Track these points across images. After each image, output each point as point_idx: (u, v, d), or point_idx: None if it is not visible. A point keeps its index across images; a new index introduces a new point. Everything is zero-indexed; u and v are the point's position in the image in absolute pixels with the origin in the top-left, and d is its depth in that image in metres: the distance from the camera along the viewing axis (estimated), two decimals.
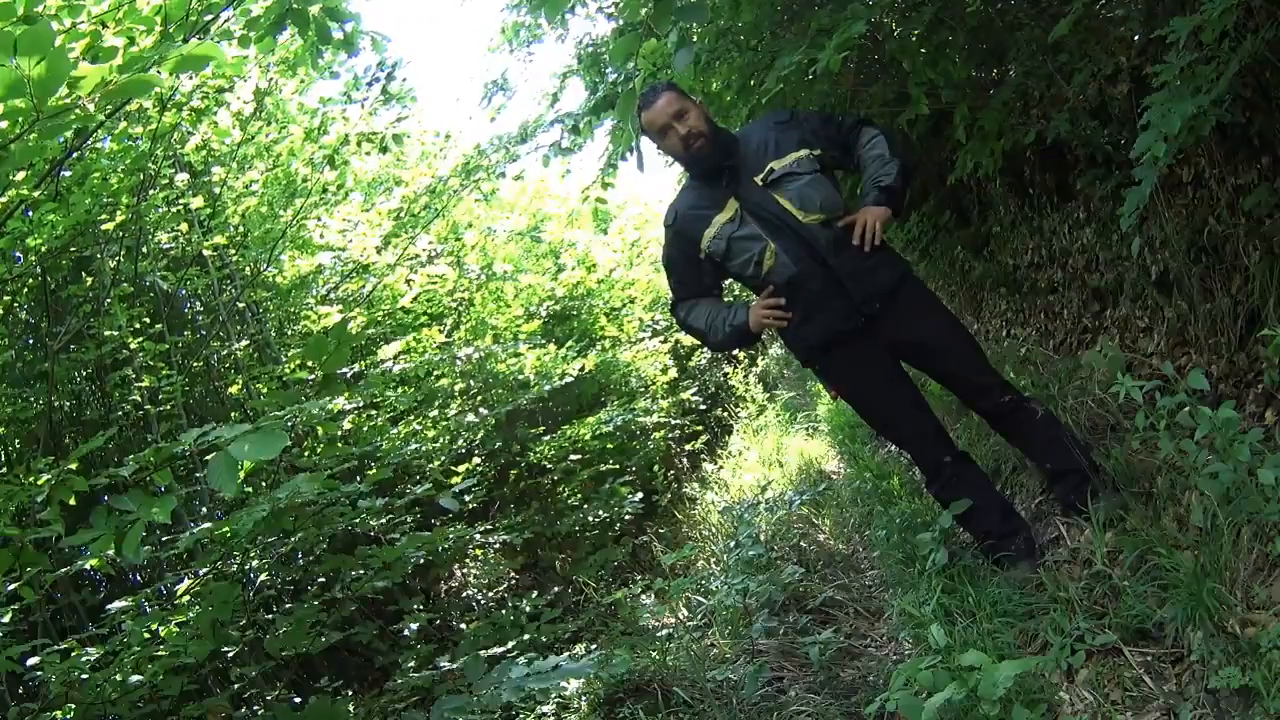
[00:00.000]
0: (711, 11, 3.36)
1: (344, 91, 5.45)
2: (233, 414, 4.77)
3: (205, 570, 3.28)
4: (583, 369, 6.36)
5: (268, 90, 4.98)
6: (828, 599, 3.31)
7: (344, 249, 5.77)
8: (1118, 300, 3.49)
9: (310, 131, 5.31)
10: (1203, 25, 1.95)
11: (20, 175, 3.32)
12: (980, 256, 4.83)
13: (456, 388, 5.72)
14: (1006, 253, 4.48)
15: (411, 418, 5.22)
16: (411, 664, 3.73)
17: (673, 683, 2.81)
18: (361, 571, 3.76)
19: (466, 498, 4.59)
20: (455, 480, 4.59)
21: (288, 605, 3.73)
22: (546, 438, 5.94)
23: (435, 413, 5.42)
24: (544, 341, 6.57)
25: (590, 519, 5.55)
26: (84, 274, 4.61)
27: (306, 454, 4.18)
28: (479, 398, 5.73)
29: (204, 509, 4.20)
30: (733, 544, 4.12)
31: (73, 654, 2.87)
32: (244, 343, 4.83)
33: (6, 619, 2.83)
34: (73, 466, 2.36)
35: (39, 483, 2.24)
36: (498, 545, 5.18)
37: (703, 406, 8.67)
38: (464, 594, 5.20)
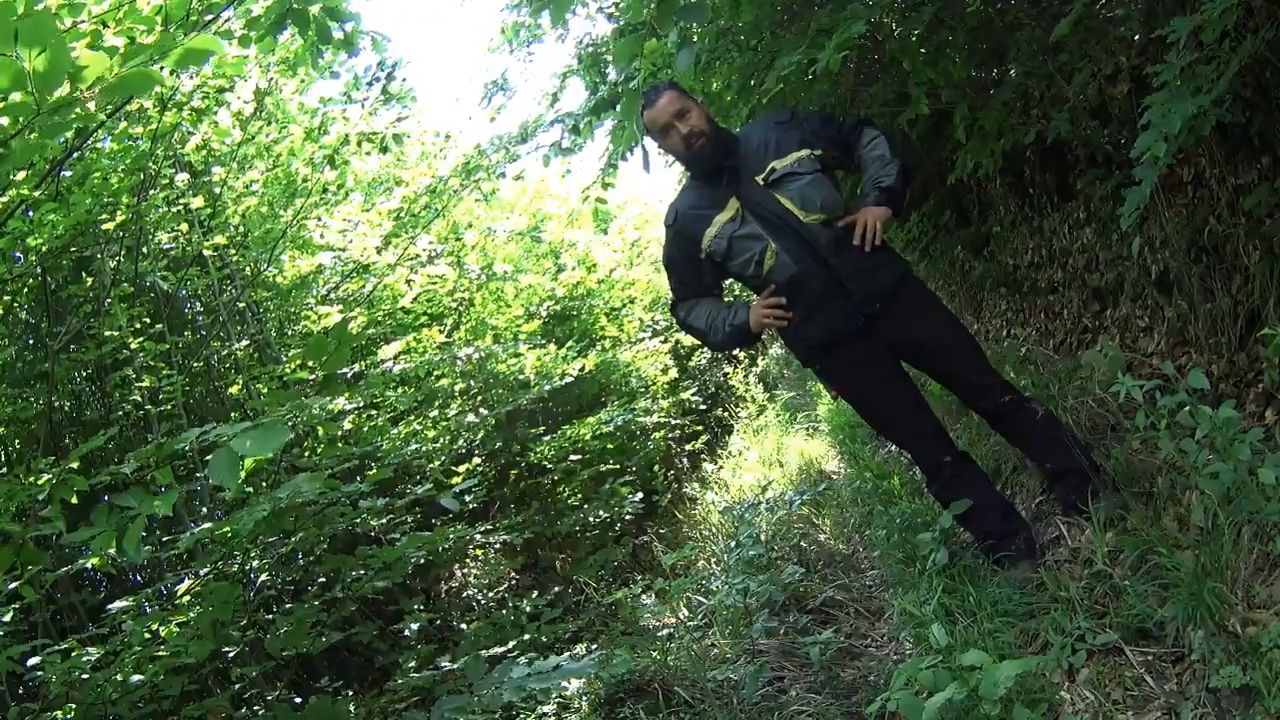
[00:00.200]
0: (712, 11, 3.36)
1: (344, 91, 5.46)
2: (233, 414, 4.77)
3: (206, 570, 3.29)
4: (583, 369, 6.36)
5: (268, 90, 4.98)
6: (828, 599, 3.31)
7: (344, 249, 5.77)
8: (1118, 300, 3.49)
9: (310, 131, 5.31)
10: (1203, 25, 1.95)
11: (21, 175, 3.32)
12: (980, 256, 4.83)
13: (457, 388, 5.72)
14: (1007, 253, 4.48)
15: (412, 418, 5.22)
16: (412, 664, 3.73)
17: (673, 683, 2.81)
18: (362, 571, 3.76)
19: (467, 498, 4.59)
20: (455, 480, 4.59)
21: (288, 605, 3.73)
22: (547, 438, 5.94)
23: (435, 413, 5.42)
24: (544, 341, 6.58)
25: (590, 519, 5.55)
26: (84, 274, 4.61)
27: (307, 454, 4.18)
28: (479, 398, 5.73)
29: (204, 509, 4.20)
30: (733, 544, 4.12)
31: (73, 654, 2.87)
32: (244, 343, 4.83)
33: (7, 618, 2.83)
34: (73, 466, 2.36)
35: (39, 482, 2.24)
36: (498, 545, 5.18)
37: (703, 406, 8.67)
38: (464, 594, 5.20)
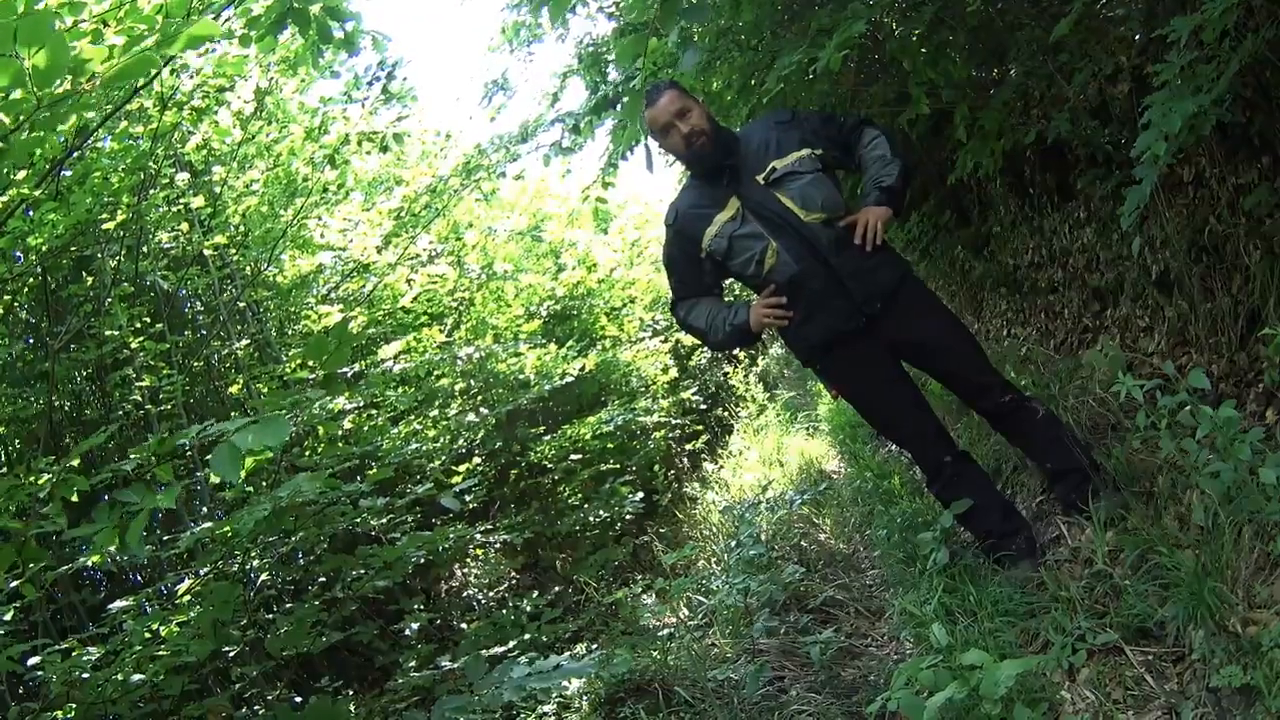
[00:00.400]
0: (712, 11, 3.36)
1: (344, 91, 5.45)
2: (233, 413, 4.76)
3: (206, 570, 3.29)
4: (583, 369, 6.36)
5: (268, 89, 4.97)
6: (829, 598, 3.30)
7: (344, 248, 5.77)
8: (1118, 300, 3.49)
9: (311, 131, 5.31)
10: (1203, 24, 1.95)
11: (21, 174, 3.32)
12: (981, 256, 4.83)
13: (457, 387, 5.72)
14: (1007, 252, 4.48)
15: (412, 417, 5.23)
16: (412, 664, 3.73)
17: (674, 682, 2.81)
18: (362, 571, 3.76)
19: (467, 497, 4.59)
20: (456, 480, 4.59)
21: (288, 605, 3.74)
22: (547, 437, 5.95)
23: (436, 412, 5.43)
24: (544, 341, 6.58)
25: (591, 519, 5.55)
26: (84, 273, 4.61)
27: (307, 454, 4.18)
28: (479, 397, 5.73)
29: (205, 509, 4.20)
30: (733, 543, 4.12)
31: (74, 653, 2.87)
32: (244, 342, 4.84)
33: (8, 618, 2.83)
34: (74, 464, 2.36)
35: (40, 481, 2.24)
36: (498, 545, 5.18)
37: (703, 406, 8.67)
38: (464, 594, 5.20)
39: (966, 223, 4.89)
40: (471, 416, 5.46)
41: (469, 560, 5.29)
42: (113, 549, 1.75)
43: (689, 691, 2.73)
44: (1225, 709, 1.71)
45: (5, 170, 2.83)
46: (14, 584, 2.38)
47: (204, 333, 5.21)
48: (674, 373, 8.29)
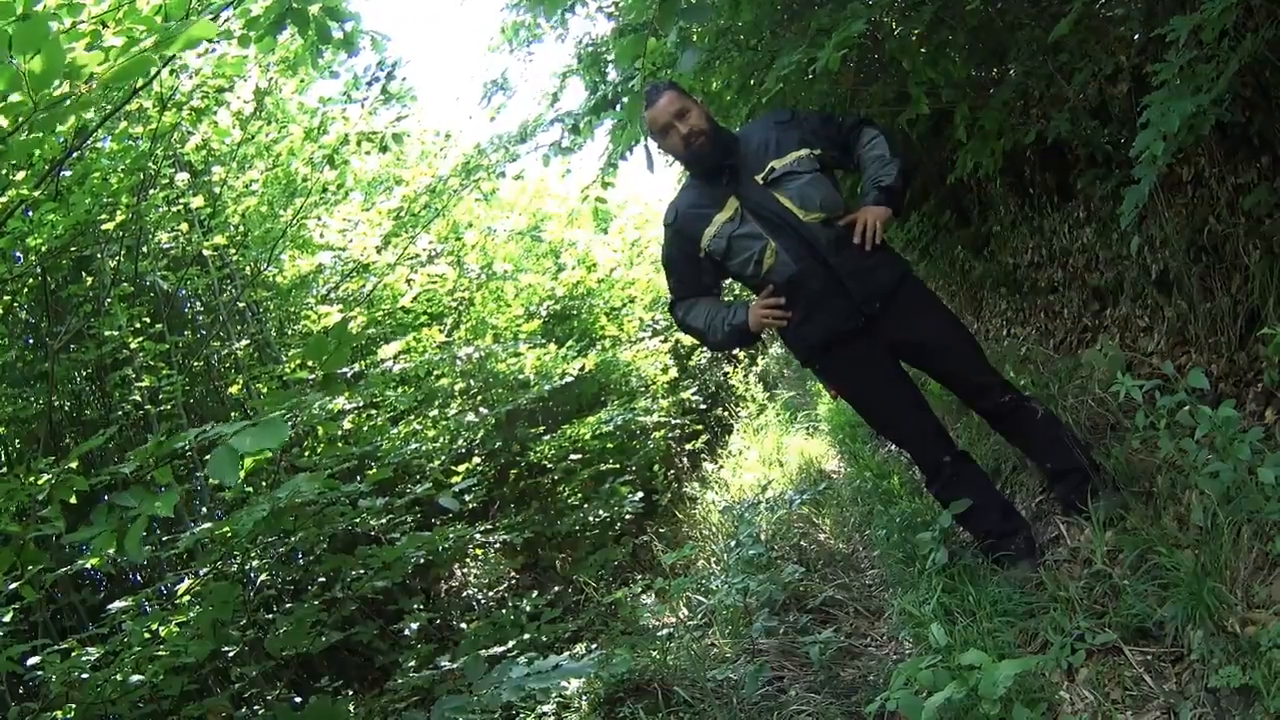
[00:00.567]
0: (711, 11, 3.36)
1: (344, 91, 5.45)
2: (233, 414, 4.77)
3: (205, 570, 3.29)
4: (583, 369, 6.36)
5: (268, 90, 4.97)
6: (828, 598, 3.31)
7: (344, 248, 5.77)
8: (1118, 299, 3.49)
9: (310, 131, 5.31)
10: (1202, 24, 1.95)
11: (21, 175, 3.32)
12: (980, 256, 4.83)
13: (456, 387, 5.72)
14: (1007, 252, 4.48)
15: (411, 417, 5.23)
16: (412, 664, 3.73)
17: (673, 682, 2.81)
18: (362, 571, 3.76)
19: (466, 497, 4.59)
20: (455, 480, 4.59)
21: (288, 605, 3.74)
22: (546, 437, 5.94)
23: (435, 412, 5.42)
24: (544, 341, 6.58)
25: (590, 519, 5.55)
26: (84, 274, 4.61)
27: (307, 454, 4.18)
28: (479, 397, 5.73)
29: (204, 509, 4.20)
30: (733, 543, 4.12)
31: (73, 654, 2.87)
32: (244, 342, 4.84)
33: (7, 618, 2.83)
34: (73, 465, 2.36)
35: (39, 482, 2.23)
36: (498, 545, 5.18)
37: (703, 406, 8.66)
38: (464, 594, 5.20)
39: (966, 222, 4.89)
40: (471, 416, 5.46)
41: (469, 560, 5.29)
42: (111, 551, 1.74)
43: (688, 691, 2.73)
44: (1224, 709, 1.71)
45: (4, 171, 2.84)
46: (13, 586, 2.38)
47: (204, 333, 5.21)
48: (674, 372, 8.29)
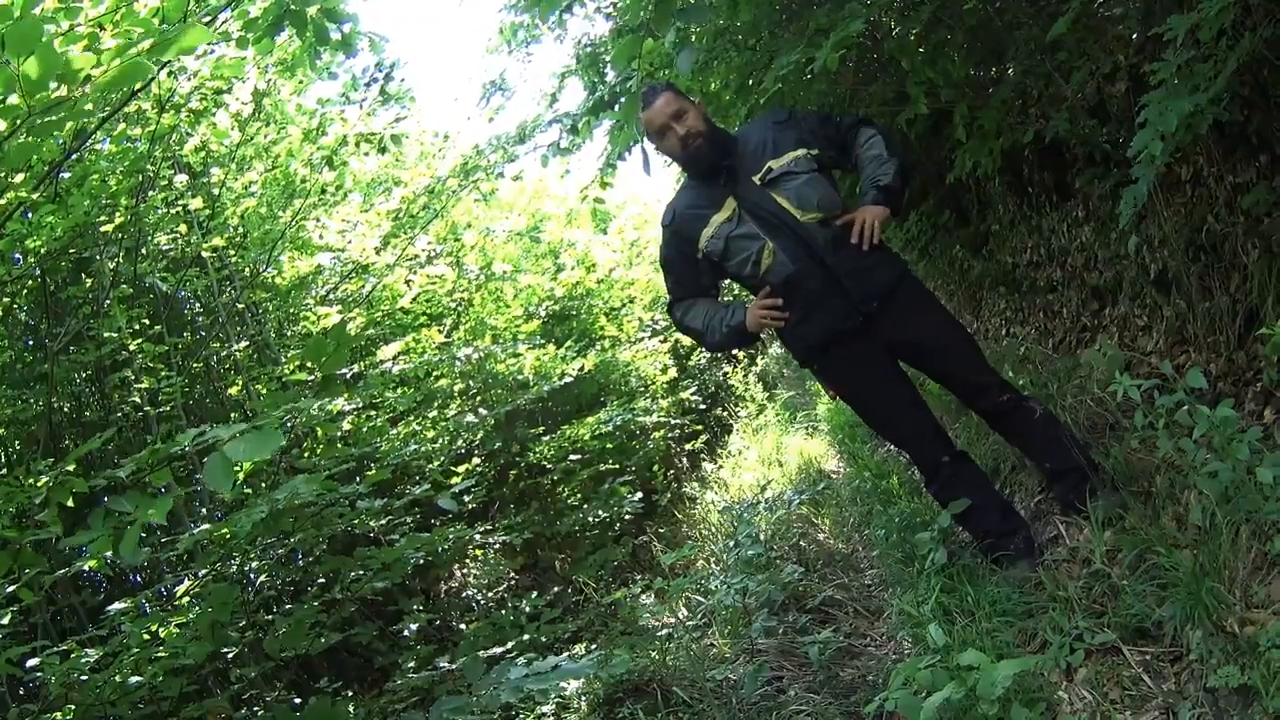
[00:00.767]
0: (709, 11, 3.36)
1: (342, 92, 5.45)
2: (232, 415, 4.77)
3: (205, 571, 3.28)
4: (582, 369, 6.36)
5: (266, 91, 4.98)
6: (827, 598, 3.30)
7: (343, 250, 5.77)
8: (1116, 299, 3.49)
9: (309, 132, 5.31)
10: (1200, 23, 1.95)
11: (19, 177, 3.32)
12: (979, 255, 4.83)
13: (456, 388, 5.72)
14: (1005, 251, 4.48)
15: (411, 418, 5.22)
16: (411, 664, 3.73)
17: (672, 682, 2.81)
18: (361, 572, 3.76)
19: (466, 498, 4.59)
20: (455, 481, 4.59)
21: (287, 606, 3.74)
22: (546, 438, 5.94)
23: (435, 413, 5.42)
24: (543, 341, 6.58)
25: (590, 519, 5.55)
26: (83, 275, 4.62)
27: (306, 455, 4.18)
28: (478, 398, 5.73)
29: (203, 510, 4.20)
30: (732, 543, 4.12)
31: (72, 655, 2.87)
32: (243, 344, 4.83)
33: (6, 620, 2.83)
34: (71, 468, 2.36)
35: (38, 485, 2.23)
36: (497, 545, 5.18)
37: (702, 406, 8.67)
38: (464, 594, 5.20)
39: (965, 222, 4.88)
40: (470, 417, 5.46)
41: (468, 561, 5.29)
42: (109, 554, 1.74)
43: (687, 692, 2.73)
44: (1223, 709, 1.71)
45: (3, 174, 2.84)
46: (11, 589, 2.38)
47: (203, 334, 5.21)
48: (673, 373, 8.29)
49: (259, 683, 3.60)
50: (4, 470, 4.43)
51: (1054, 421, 2.71)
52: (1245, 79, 2.40)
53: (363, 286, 5.87)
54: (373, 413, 4.92)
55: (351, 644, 4.08)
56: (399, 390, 5.26)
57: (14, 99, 1.60)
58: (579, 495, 5.84)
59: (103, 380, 4.64)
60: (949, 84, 3.41)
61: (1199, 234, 2.83)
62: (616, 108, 4.50)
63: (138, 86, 3.21)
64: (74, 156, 3.78)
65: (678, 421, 7.68)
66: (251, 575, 3.75)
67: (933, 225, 5.23)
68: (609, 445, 6.15)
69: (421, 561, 4.19)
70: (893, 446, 4.74)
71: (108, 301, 4.32)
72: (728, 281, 2.95)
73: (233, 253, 5.11)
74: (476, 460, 5.42)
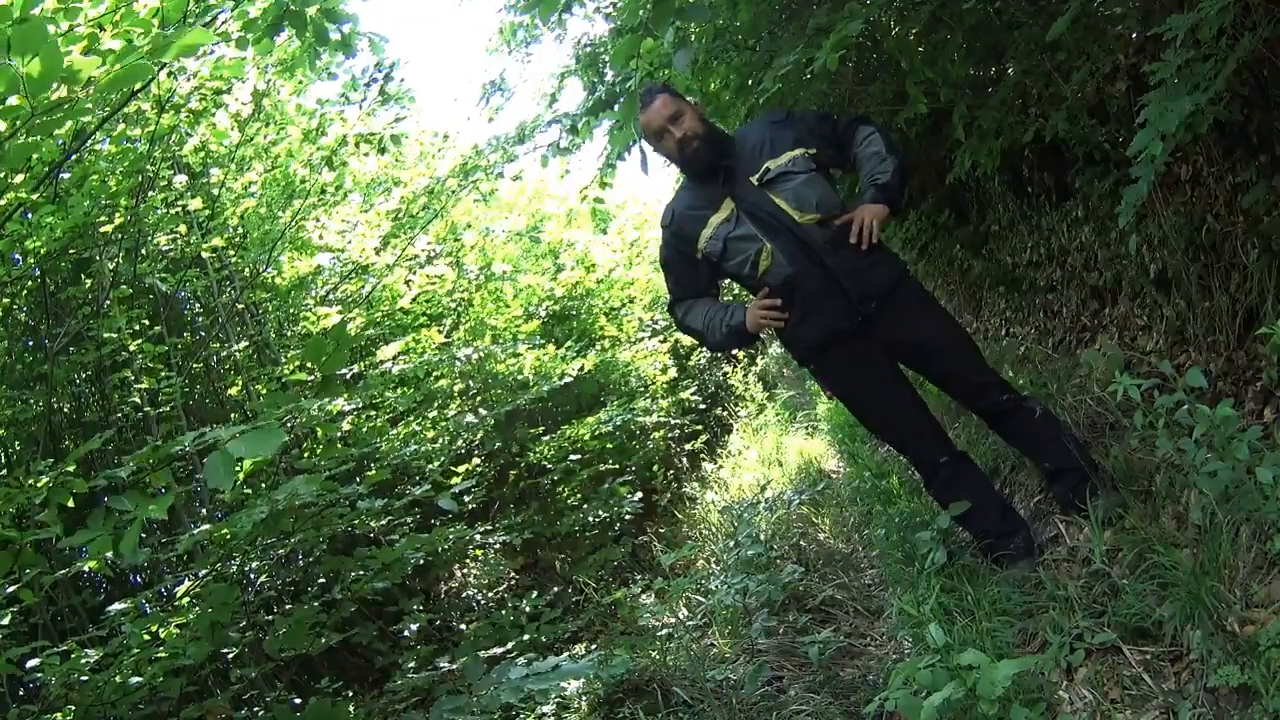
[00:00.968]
0: (709, 11, 3.36)
1: (342, 92, 5.45)
2: (233, 415, 4.77)
3: (205, 572, 3.28)
4: (582, 369, 6.36)
5: (265, 92, 4.98)
6: (827, 598, 3.30)
7: (343, 250, 5.77)
8: (1116, 298, 3.49)
9: (308, 133, 5.31)
10: (1200, 23, 1.95)
11: (19, 178, 3.32)
12: (979, 255, 4.83)
13: (456, 388, 5.72)
14: (1005, 251, 4.48)
15: (411, 418, 5.22)
16: (411, 665, 3.73)
17: (672, 682, 2.81)
18: (361, 572, 3.76)
19: (466, 498, 4.59)
20: (455, 481, 4.59)
21: (287, 606, 3.74)
22: (546, 438, 5.94)
23: (434, 413, 5.42)
24: (543, 342, 6.57)
25: (590, 519, 5.55)
26: (83, 276, 4.62)
27: (306, 455, 4.18)
28: (478, 398, 5.73)
29: (203, 511, 4.20)
30: (732, 543, 4.13)
31: (73, 656, 2.87)
32: (243, 344, 4.83)
33: (7, 621, 2.83)
34: (71, 468, 2.36)
35: (38, 485, 2.24)
36: (497, 545, 5.18)
37: (702, 406, 8.67)
38: (464, 594, 5.20)
39: (965, 221, 4.89)
40: (470, 417, 5.46)
41: (468, 561, 5.29)
42: (109, 554, 1.74)
43: (688, 691, 2.73)
44: (1223, 708, 1.71)
45: (3, 174, 2.84)
46: (12, 589, 2.38)
47: (203, 334, 5.21)
48: (673, 373, 8.29)
49: (259, 683, 3.60)
50: (4, 471, 4.43)
51: (1054, 421, 2.71)
52: (1245, 78, 2.40)
53: (362, 287, 5.87)
54: (373, 413, 4.92)
55: (352, 644, 4.08)
56: (399, 390, 5.26)
57: (14, 100, 1.60)
58: (579, 495, 5.84)
59: (103, 381, 4.64)
60: (948, 84, 3.41)
61: (1199, 233, 2.83)
62: (616, 108, 4.51)
63: (137, 87, 3.21)
64: (74, 157, 3.78)
65: (678, 421, 7.68)
66: (251, 576, 3.75)
67: (932, 225, 5.23)
68: (609, 445, 6.15)
69: (421, 562, 4.19)
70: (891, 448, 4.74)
71: (107, 302, 4.32)
72: (728, 281, 2.95)
73: (232, 253, 5.11)
74: (476, 460, 5.42)
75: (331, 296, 5.79)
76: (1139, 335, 3.28)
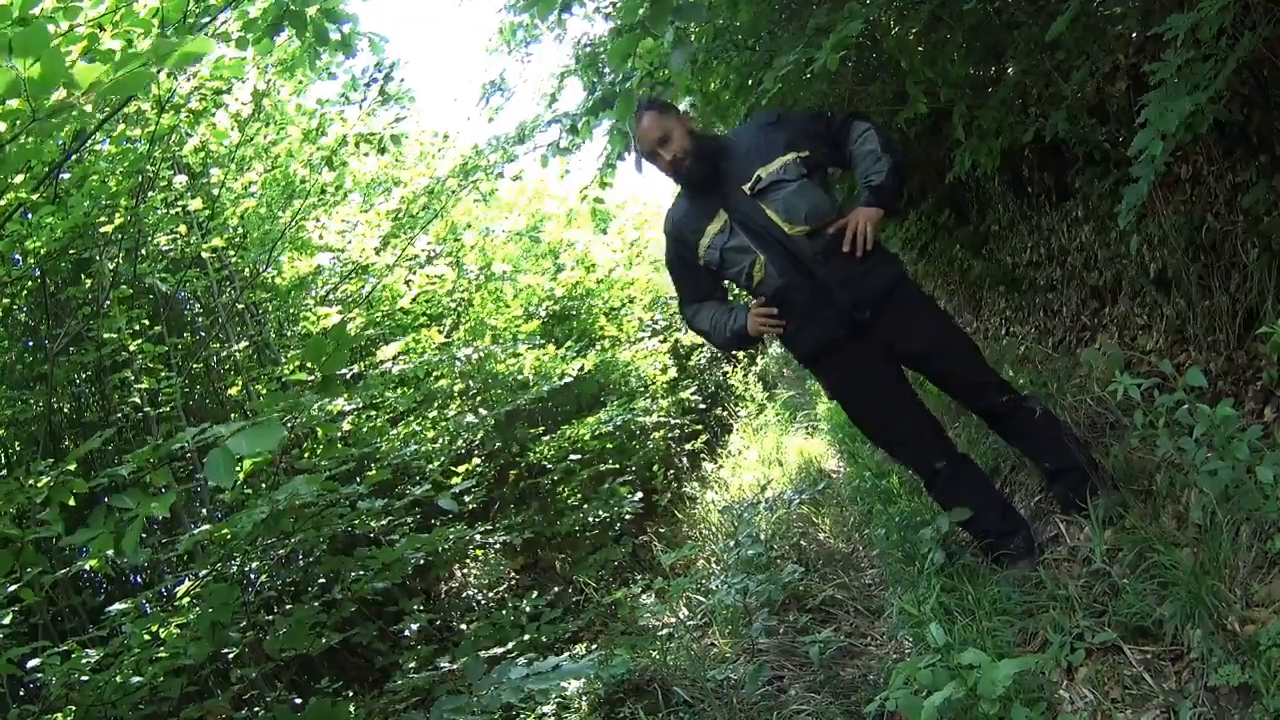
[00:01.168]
0: (709, 10, 3.36)
1: (342, 92, 5.45)
2: (232, 415, 4.77)
3: (205, 572, 3.28)
4: (582, 369, 6.36)
5: (265, 92, 4.98)
6: (828, 598, 3.30)
7: (343, 250, 5.77)
8: (1116, 298, 3.49)
9: (308, 133, 5.31)
10: (1200, 22, 1.95)
11: (19, 178, 3.32)
12: (979, 255, 4.83)
13: (456, 388, 5.72)
14: (1005, 251, 4.48)
15: (411, 418, 5.23)
16: (412, 665, 3.73)
17: (673, 682, 2.81)
18: (361, 572, 3.76)
19: (466, 498, 4.59)
20: (455, 481, 4.59)
21: (288, 606, 3.74)
22: (546, 438, 5.94)
23: (435, 413, 5.42)
24: (543, 342, 6.58)
25: (590, 519, 5.55)
26: (83, 276, 4.62)
27: (306, 455, 4.18)
28: (478, 398, 5.73)
29: (204, 511, 4.20)
30: (732, 543, 4.13)
31: (73, 656, 2.87)
32: (243, 344, 4.83)
33: (7, 621, 2.83)
34: (72, 468, 2.36)
35: (39, 485, 2.24)
36: (498, 545, 5.18)
37: (702, 406, 8.67)
38: (464, 594, 5.20)
39: (965, 221, 4.89)
40: (470, 417, 5.46)
41: (468, 561, 5.29)
42: (109, 553, 1.74)
43: (688, 691, 2.73)
44: (1223, 708, 1.71)
45: (3, 175, 2.83)
46: (13, 589, 2.38)
47: (203, 334, 5.21)
48: (673, 372, 8.29)
49: (259, 683, 3.60)
50: (4, 471, 4.43)
51: (1054, 421, 2.71)
52: (1245, 78, 2.40)
53: (362, 287, 5.87)
54: (373, 413, 4.92)
55: (352, 644, 4.08)
56: (399, 390, 5.26)
57: (14, 102, 1.60)
58: (579, 495, 5.84)
59: (103, 381, 4.64)
60: (948, 83, 3.41)
61: (1199, 233, 2.83)
62: (614, 107, 4.51)
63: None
64: (74, 157, 3.78)
65: (678, 421, 7.68)
66: (252, 576, 3.75)
67: (932, 225, 5.23)
68: (609, 445, 6.15)
69: (422, 562, 4.19)
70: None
71: (107, 302, 4.32)
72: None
73: (232, 253, 5.11)
74: (476, 460, 5.42)
75: (331, 296, 5.79)
76: (1139, 335, 3.28)
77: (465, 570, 5.39)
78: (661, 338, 8.51)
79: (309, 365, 3.75)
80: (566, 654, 3.24)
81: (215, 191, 5.04)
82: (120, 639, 2.94)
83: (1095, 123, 3.10)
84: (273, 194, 5.53)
